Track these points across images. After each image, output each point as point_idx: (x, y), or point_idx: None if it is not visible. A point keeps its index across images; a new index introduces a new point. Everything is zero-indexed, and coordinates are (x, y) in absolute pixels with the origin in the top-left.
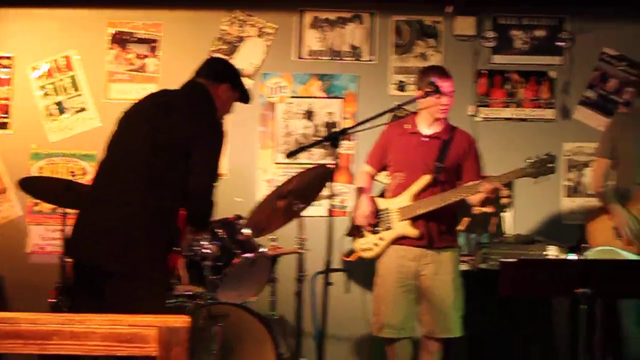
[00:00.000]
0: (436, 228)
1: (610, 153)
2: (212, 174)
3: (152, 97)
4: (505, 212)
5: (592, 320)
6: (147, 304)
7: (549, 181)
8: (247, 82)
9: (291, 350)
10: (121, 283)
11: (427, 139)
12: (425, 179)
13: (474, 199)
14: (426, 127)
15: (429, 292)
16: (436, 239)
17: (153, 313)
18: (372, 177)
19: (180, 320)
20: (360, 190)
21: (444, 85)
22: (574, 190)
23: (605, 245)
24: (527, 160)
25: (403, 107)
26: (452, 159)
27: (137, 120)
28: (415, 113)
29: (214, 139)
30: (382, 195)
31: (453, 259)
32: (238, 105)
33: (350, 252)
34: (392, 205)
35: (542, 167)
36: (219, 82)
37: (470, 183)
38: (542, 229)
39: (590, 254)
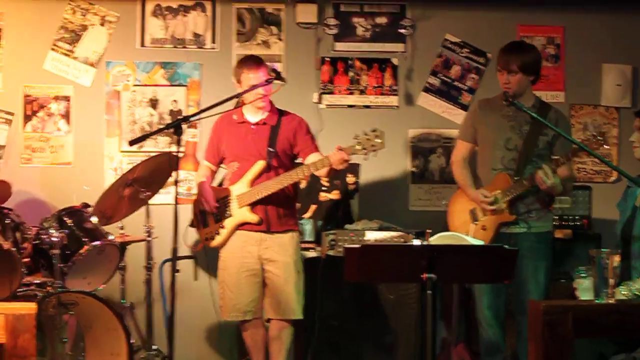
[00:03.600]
0: (274, 212)
1: (471, 137)
2: None
3: None
4: (352, 198)
5: (439, 305)
6: None
7: (395, 167)
8: (90, 71)
9: (142, 338)
10: None
11: (255, 127)
12: (259, 165)
13: (321, 173)
14: (253, 115)
15: (271, 274)
16: (274, 223)
17: None
18: (212, 172)
19: (27, 308)
20: (201, 184)
21: (255, 76)
22: (420, 177)
23: (460, 228)
24: (354, 139)
25: (241, 95)
26: (282, 142)
27: None
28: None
29: None
30: (220, 185)
31: (292, 242)
32: (84, 93)
33: (197, 242)
34: (231, 193)
35: (369, 143)
36: None
37: (306, 165)
38: (389, 215)
39: (433, 240)
